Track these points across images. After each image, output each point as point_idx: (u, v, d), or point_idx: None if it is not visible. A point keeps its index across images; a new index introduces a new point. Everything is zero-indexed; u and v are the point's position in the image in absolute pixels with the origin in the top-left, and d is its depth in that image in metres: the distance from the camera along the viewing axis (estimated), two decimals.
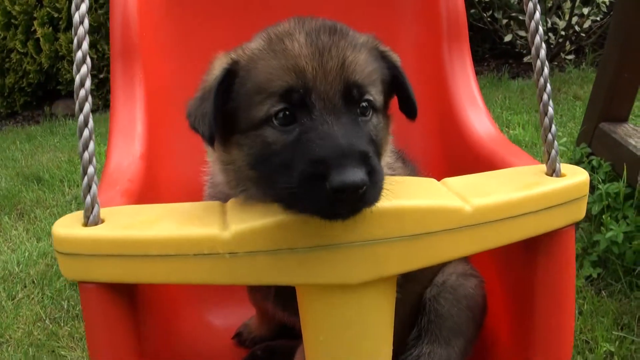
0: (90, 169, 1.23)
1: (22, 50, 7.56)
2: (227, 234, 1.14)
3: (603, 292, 3.57)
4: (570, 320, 1.37)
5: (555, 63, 8.01)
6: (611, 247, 3.63)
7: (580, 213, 1.35)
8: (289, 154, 1.14)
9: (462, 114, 1.86)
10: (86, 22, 1.45)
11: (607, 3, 7.55)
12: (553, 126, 1.36)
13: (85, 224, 1.21)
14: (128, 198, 1.51)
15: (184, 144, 1.91)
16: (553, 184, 1.30)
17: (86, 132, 1.26)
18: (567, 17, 7.78)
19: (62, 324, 3.76)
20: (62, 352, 3.46)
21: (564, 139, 4.45)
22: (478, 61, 8.21)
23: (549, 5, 7.94)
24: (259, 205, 1.22)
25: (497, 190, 1.24)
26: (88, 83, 1.31)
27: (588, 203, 3.86)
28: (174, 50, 2.10)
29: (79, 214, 1.25)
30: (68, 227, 1.22)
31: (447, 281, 1.52)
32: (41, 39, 7.43)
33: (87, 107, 1.28)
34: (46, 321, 3.81)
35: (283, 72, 1.16)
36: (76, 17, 1.39)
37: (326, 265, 1.15)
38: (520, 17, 7.92)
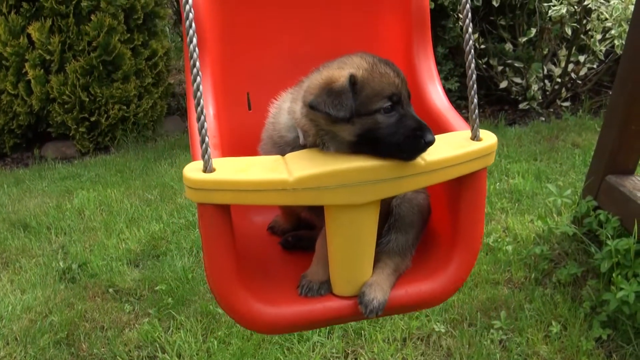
0: (207, 138, 1.91)
1: (12, 92, 7.42)
2: (292, 179, 1.91)
3: (614, 355, 3.41)
4: (481, 223, 2.23)
5: (552, 110, 7.97)
6: (622, 307, 3.49)
7: (490, 161, 2.14)
8: (392, 128, 1.96)
9: (424, 89, 2.57)
10: None
11: (603, 51, 7.53)
12: (475, 100, 2.10)
13: (204, 171, 1.93)
14: (218, 150, 2.22)
15: (230, 98, 2.70)
16: (475, 146, 2.09)
17: (203, 114, 1.91)
18: (562, 65, 7.76)
19: None
20: None
21: (568, 191, 4.32)
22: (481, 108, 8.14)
23: (545, 52, 7.93)
24: (308, 160, 1.98)
25: (440, 150, 2.02)
26: (199, 81, 1.92)
27: (596, 259, 3.77)
28: (225, 32, 2.71)
29: (199, 164, 1.94)
30: (194, 172, 1.92)
31: (406, 195, 2.33)
32: (32, 81, 7.30)
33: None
34: None
35: (389, 85, 2.00)
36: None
37: (345, 195, 1.96)
38: (516, 64, 7.90)
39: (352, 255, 2.13)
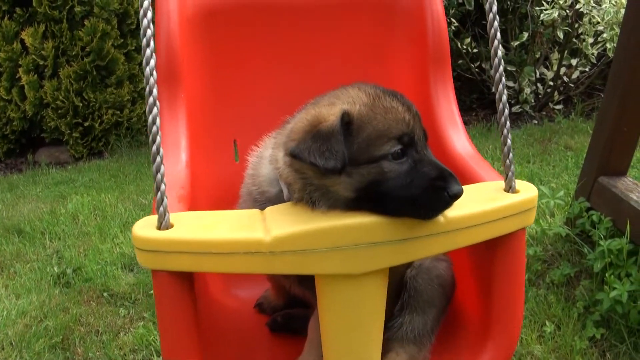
0: (162, 187, 1.58)
1: (6, 97, 7.42)
2: (269, 238, 1.56)
3: (608, 354, 3.43)
4: (520, 300, 1.84)
5: (544, 113, 8.01)
6: (615, 307, 3.51)
7: (530, 219, 1.78)
8: (405, 178, 1.59)
9: (444, 133, 2.24)
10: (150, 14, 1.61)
11: (595, 54, 7.59)
12: (510, 154, 1.79)
13: (159, 228, 1.59)
14: (183, 203, 1.90)
15: (213, 145, 2.39)
16: (509, 199, 1.74)
17: (158, 159, 1.58)
18: (555, 68, 7.81)
19: None
20: None
21: (561, 193, 4.35)
22: (466, 111, 8.20)
23: (537, 56, 7.98)
24: (291, 215, 1.62)
25: (466, 204, 1.65)
26: (158, 121, 1.59)
27: (589, 260, 3.80)
28: (208, 70, 2.42)
29: (153, 219, 1.62)
30: (146, 230, 1.60)
31: (423, 264, 1.98)
32: (26, 87, 7.31)
33: (159, 139, 1.59)
34: None
35: (397, 123, 1.63)
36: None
37: (338, 261, 1.58)
38: (508, 68, 7.94)
39: (351, 342, 1.70)
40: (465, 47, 7.83)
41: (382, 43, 2.47)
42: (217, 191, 2.27)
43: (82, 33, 7.31)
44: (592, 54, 7.55)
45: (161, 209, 1.57)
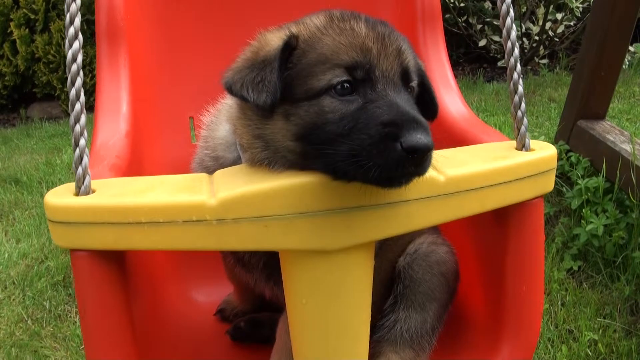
0: (82, 141, 1.28)
1: None
2: (214, 201, 1.21)
3: (584, 283, 3.63)
4: (540, 288, 1.44)
5: (530, 67, 8.14)
6: (591, 240, 3.70)
7: (549, 185, 1.43)
8: (348, 122, 1.21)
9: (437, 96, 1.89)
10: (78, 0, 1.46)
11: (580, 9, 7.70)
12: (522, 104, 1.47)
13: (77, 194, 1.28)
14: (116, 172, 1.57)
15: (166, 123, 2.09)
16: (522, 157, 1.40)
17: (77, 106, 1.30)
18: (540, 23, 7.91)
19: (44, 325, 3.71)
20: (46, 352, 3.42)
21: (542, 137, 4.52)
22: (453, 65, 8.26)
23: (523, 10, 8.08)
24: (245, 176, 1.30)
25: (469, 162, 1.34)
26: (79, 58, 1.34)
27: (567, 198, 3.98)
28: (158, 35, 2.18)
29: (71, 185, 1.31)
30: (60, 196, 1.28)
31: (419, 249, 1.61)
32: (17, 41, 7.36)
33: (79, 81, 1.31)
34: (28, 322, 3.76)
35: (351, 48, 1.27)
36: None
37: (306, 232, 1.22)
38: (495, 22, 8.03)
39: (328, 343, 1.31)
40: (452, 1, 7.91)
41: (368, 2, 2.22)
42: (172, 171, 1.69)
43: None
44: (577, 8, 7.66)
45: (79, 170, 1.27)
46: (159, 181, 1.33)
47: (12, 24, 7.32)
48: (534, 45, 8.07)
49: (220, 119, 1.58)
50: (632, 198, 3.57)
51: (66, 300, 3.93)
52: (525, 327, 1.46)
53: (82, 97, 1.31)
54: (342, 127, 1.21)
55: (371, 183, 1.19)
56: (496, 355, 1.46)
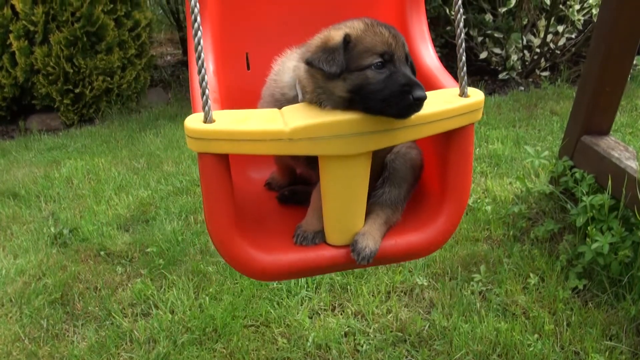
0: (207, 91, 2.00)
1: None
2: (287, 129, 2.01)
3: (590, 303, 3.59)
4: (468, 175, 2.32)
5: (531, 79, 8.12)
6: (597, 259, 3.65)
7: (477, 116, 2.22)
8: (381, 84, 2.03)
9: (415, 49, 2.64)
10: None
11: (582, 21, 7.68)
12: (464, 58, 2.20)
13: (205, 122, 2.02)
14: (218, 105, 2.30)
15: (230, 61, 2.84)
16: (462, 102, 2.18)
17: (203, 68, 1.99)
18: (542, 35, 7.90)
19: (41, 344, 3.67)
20: None
21: (545, 152, 4.46)
22: (454, 77, 8.27)
23: (524, 23, 8.06)
24: (305, 112, 2.09)
25: (429, 105, 2.07)
26: (200, 35, 1.99)
27: (572, 215, 3.94)
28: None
29: (199, 115, 2.04)
30: (195, 122, 2.02)
31: (399, 150, 2.43)
32: (17, 52, 7.31)
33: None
34: (25, 341, 3.71)
35: (381, 43, 2.08)
36: None
37: (337, 145, 2.06)
38: (496, 35, 8.03)
39: (345, 206, 2.23)
40: (453, 13, 7.87)
41: None
42: (231, 97, 2.68)
43: None
44: (579, 20, 7.64)
45: (207, 107, 2.02)
46: (252, 114, 2.11)
47: (11, 35, 7.28)
48: (535, 57, 8.05)
49: (285, 69, 2.36)
50: (638, 216, 3.52)
51: (64, 318, 3.88)
52: (459, 196, 2.32)
53: (204, 64, 2.00)
54: (377, 87, 2.03)
55: (392, 116, 2.04)
56: (440, 212, 2.33)
